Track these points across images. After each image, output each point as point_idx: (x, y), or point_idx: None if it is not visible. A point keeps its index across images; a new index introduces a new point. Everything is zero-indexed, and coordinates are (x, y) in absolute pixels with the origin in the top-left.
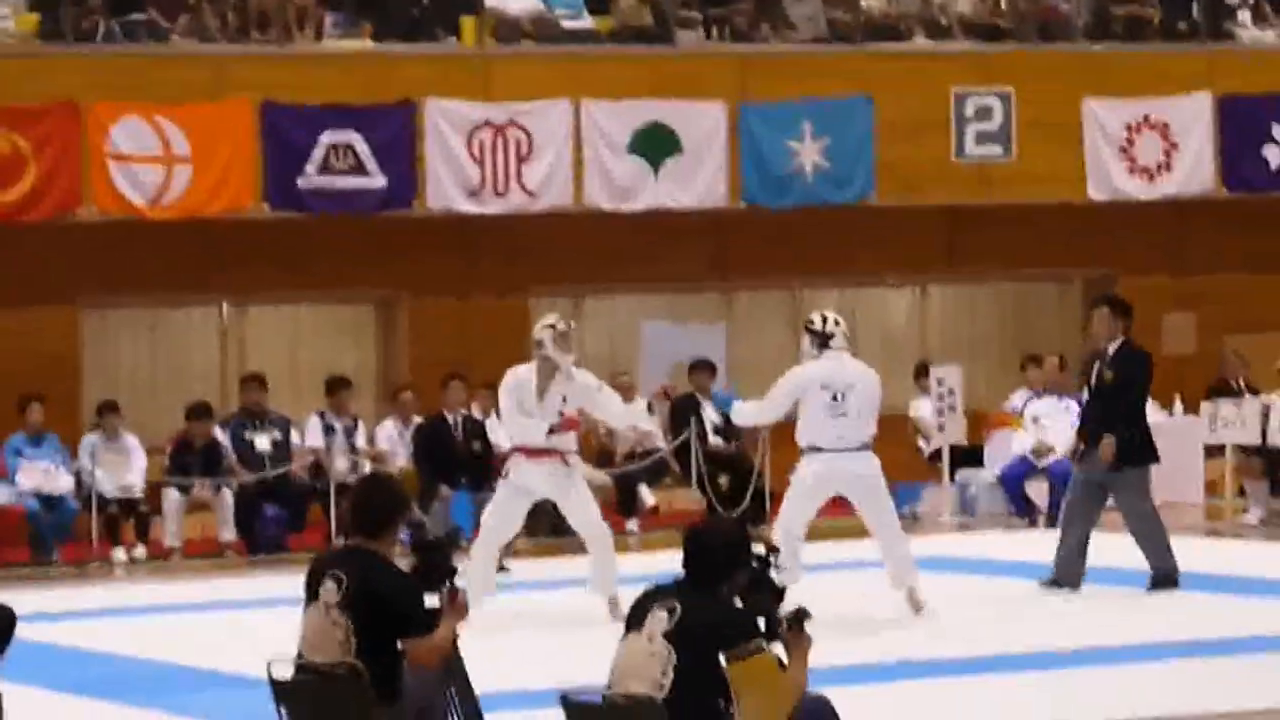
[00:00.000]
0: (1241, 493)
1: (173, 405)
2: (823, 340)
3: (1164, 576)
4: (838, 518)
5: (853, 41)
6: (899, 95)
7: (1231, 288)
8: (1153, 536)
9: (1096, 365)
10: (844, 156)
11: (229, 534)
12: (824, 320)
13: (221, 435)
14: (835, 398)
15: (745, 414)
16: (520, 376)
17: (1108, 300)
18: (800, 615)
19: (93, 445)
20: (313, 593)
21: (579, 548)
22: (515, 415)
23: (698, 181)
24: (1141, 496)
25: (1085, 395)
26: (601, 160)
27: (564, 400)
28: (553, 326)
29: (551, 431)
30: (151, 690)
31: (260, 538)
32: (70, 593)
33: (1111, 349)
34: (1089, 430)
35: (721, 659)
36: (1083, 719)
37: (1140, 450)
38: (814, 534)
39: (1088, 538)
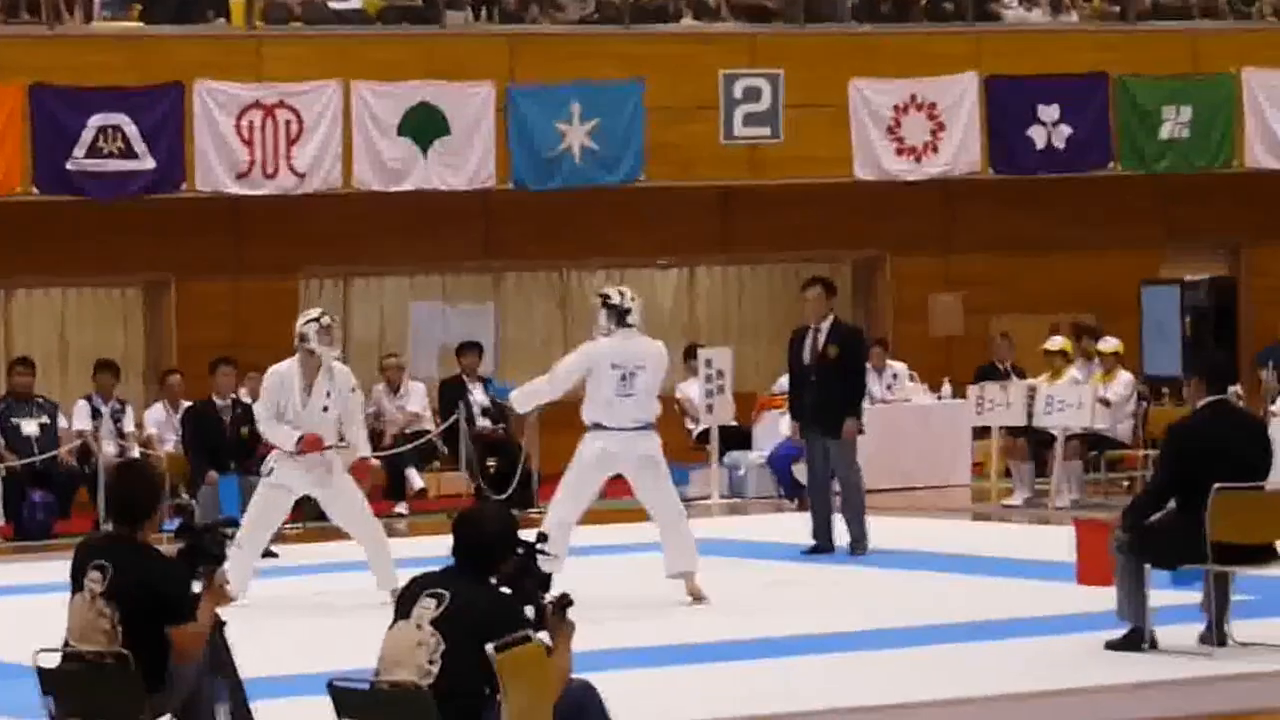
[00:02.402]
0: (1007, 474)
1: None
2: (619, 316)
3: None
4: (620, 498)
5: (621, 23)
6: (668, 77)
7: (998, 269)
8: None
9: (809, 342)
10: (613, 138)
11: None
12: (621, 296)
13: None
14: (624, 377)
15: (528, 393)
16: (283, 374)
17: (819, 281)
18: (563, 602)
19: None
20: (78, 582)
21: (339, 535)
22: (270, 422)
23: (467, 163)
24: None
25: (794, 371)
26: (371, 141)
27: (328, 396)
28: (317, 320)
29: (300, 451)
30: None
31: (27, 524)
32: None
33: (825, 326)
34: (814, 402)
35: (489, 648)
36: (846, 701)
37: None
38: (594, 517)
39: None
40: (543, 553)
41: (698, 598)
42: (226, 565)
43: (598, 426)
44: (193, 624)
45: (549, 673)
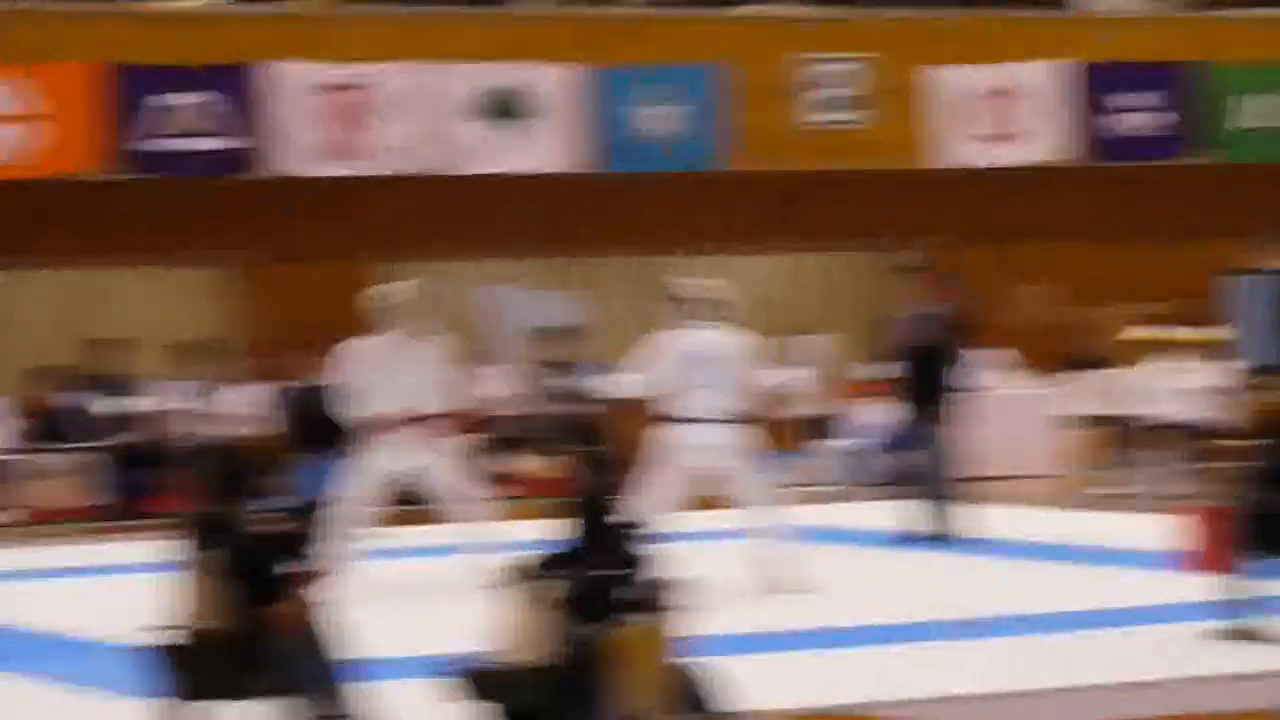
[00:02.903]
0: (1098, 464)
1: (21, 371)
2: (694, 309)
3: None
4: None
5: (699, 5)
6: (746, 61)
7: (1083, 258)
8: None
9: (908, 328)
10: (690, 122)
11: (83, 499)
12: (700, 287)
13: (75, 401)
14: (698, 367)
15: (622, 383)
16: (368, 350)
17: (919, 266)
18: (669, 585)
19: None
20: (184, 560)
21: (440, 515)
22: (359, 399)
23: (545, 145)
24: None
25: (888, 357)
26: (448, 123)
27: (418, 370)
28: (404, 294)
29: (391, 428)
30: (12, 657)
31: (120, 503)
32: None
33: (925, 312)
34: (913, 389)
35: (602, 629)
36: (932, 692)
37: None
38: (694, 504)
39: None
40: (649, 536)
41: (791, 585)
42: (325, 546)
43: (669, 418)
44: (294, 603)
45: (661, 653)
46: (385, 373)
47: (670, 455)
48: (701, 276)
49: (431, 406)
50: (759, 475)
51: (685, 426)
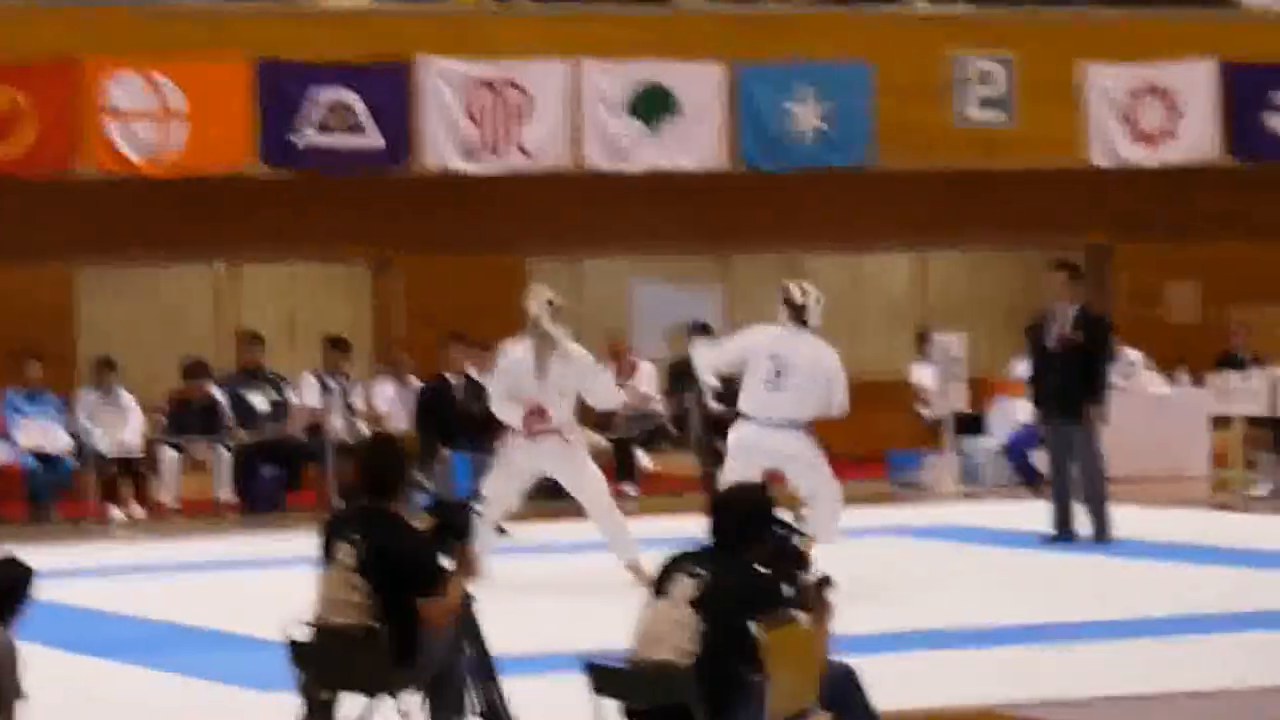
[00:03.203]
0: (1250, 465)
1: (167, 363)
2: (796, 312)
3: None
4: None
5: (852, 3)
6: (899, 59)
7: (1235, 256)
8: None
9: (1053, 327)
10: (843, 120)
11: (226, 493)
12: (803, 293)
13: (218, 394)
14: (779, 372)
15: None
16: (517, 355)
17: (1065, 265)
18: (825, 582)
19: (89, 403)
20: (328, 554)
21: (578, 513)
22: (502, 401)
23: (696, 143)
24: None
25: (1036, 356)
26: (599, 121)
27: (562, 378)
28: (549, 301)
29: (530, 432)
30: (161, 651)
31: (256, 498)
32: (68, 551)
33: (1070, 311)
34: (1057, 388)
35: (753, 627)
36: (1085, 692)
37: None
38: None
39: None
40: (800, 532)
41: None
42: (470, 541)
43: (743, 416)
44: (443, 598)
45: (814, 653)
46: (526, 373)
47: (736, 452)
48: (805, 285)
49: (566, 408)
50: (822, 483)
51: (745, 424)
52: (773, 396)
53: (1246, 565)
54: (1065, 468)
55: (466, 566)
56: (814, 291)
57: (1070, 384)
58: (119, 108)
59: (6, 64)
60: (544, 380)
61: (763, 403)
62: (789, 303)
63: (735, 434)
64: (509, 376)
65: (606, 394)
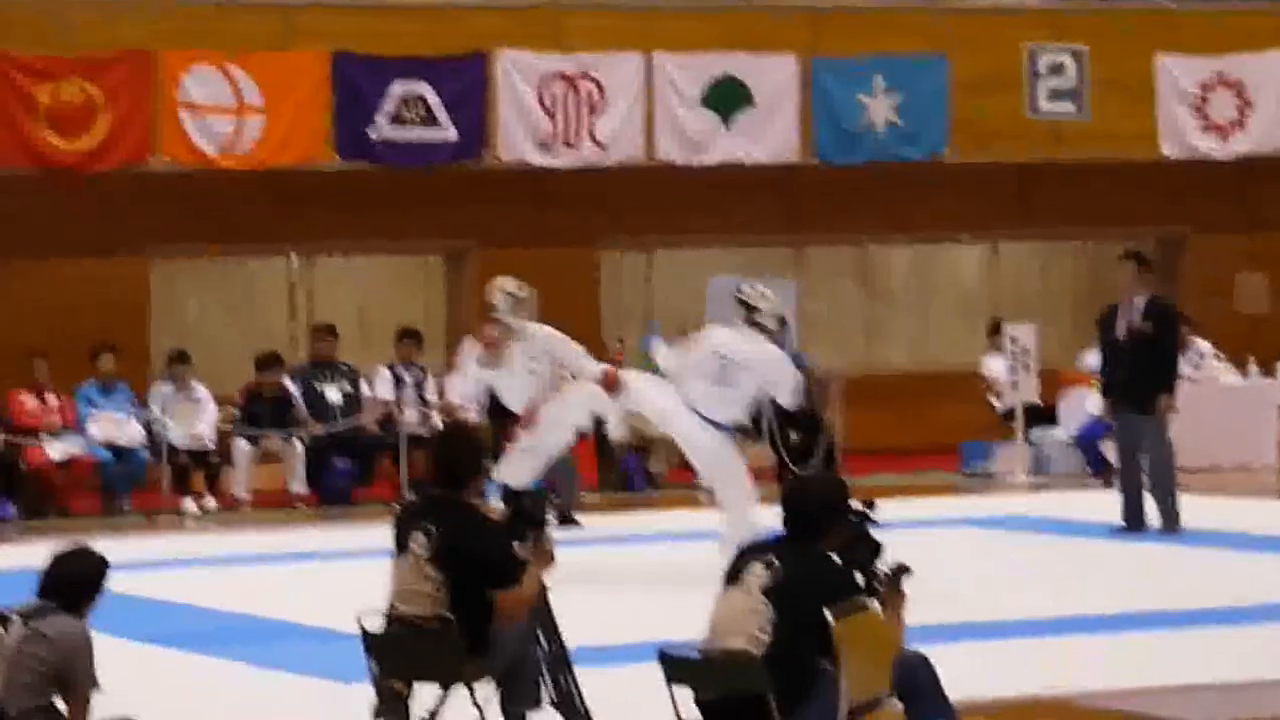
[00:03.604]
0: None
1: (241, 356)
2: (747, 312)
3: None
4: (905, 472)
5: None
6: (971, 51)
7: None
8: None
9: (1123, 317)
10: (916, 112)
11: (299, 486)
12: (758, 295)
13: (291, 386)
14: (724, 369)
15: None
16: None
17: (1134, 255)
18: (900, 571)
19: (163, 395)
20: (401, 545)
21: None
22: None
23: (769, 136)
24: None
25: (1105, 347)
26: (673, 113)
27: (530, 359)
28: (511, 293)
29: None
30: (233, 642)
31: (330, 490)
32: (141, 543)
33: (1140, 301)
34: (1127, 379)
35: (827, 615)
36: (1158, 681)
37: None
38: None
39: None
40: (873, 521)
41: None
42: (546, 531)
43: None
44: (518, 589)
45: (888, 642)
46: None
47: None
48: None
49: (538, 386)
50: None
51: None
52: (706, 392)
53: None
54: (1135, 458)
55: (542, 556)
56: (770, 295)
57: (1140, 375)
58: (194, 101)
59: (82, 58)
60: (509, 368)
61: (692, 397)
62: (740, 303)
63: None
64: (471, 368)
65: (578, 363)
